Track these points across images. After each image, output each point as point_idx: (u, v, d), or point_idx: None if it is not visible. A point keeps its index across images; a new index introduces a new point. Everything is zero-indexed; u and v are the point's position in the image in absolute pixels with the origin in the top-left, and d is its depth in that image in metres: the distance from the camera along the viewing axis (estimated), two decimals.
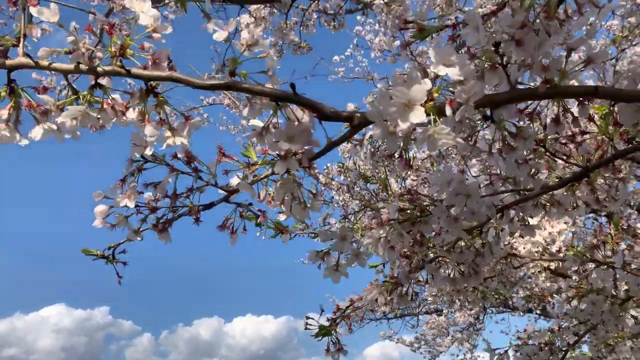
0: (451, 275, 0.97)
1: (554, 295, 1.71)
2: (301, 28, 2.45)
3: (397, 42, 3.46)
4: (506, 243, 1.56)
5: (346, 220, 2.82)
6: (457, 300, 1.62)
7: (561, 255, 1.54)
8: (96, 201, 0.72)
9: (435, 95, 0.57)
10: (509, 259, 1.53)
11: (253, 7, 2.60)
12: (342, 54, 5.41)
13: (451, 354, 8.51)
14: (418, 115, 0.53)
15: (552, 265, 1.63)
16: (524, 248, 1.57)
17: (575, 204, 0.95)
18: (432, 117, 0.55)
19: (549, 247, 1.57)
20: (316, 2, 2.30)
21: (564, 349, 1.12)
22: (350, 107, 4.07)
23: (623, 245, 1.46)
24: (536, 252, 1.54)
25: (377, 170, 2.43)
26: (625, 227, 1.94)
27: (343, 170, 3.01)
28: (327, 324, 1.22)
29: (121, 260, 0.95)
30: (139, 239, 0.77)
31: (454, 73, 0.55)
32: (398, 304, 0.96)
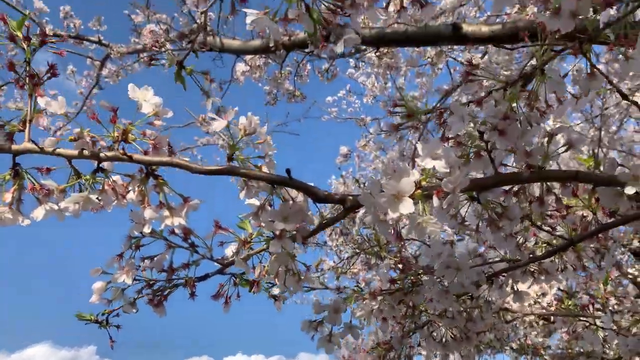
0: (443, 340, 0.98)
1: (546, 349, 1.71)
2: (295, 78, 2.53)
3: (389, 86, 3.55)
4: (498, 297, 1.57)
5: (339, 268, 2.82)
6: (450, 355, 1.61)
7: (552, 309, 1.55)
8: (94, 277, 0.73)
9: (424, 183, 0.60)
10: (501, 313, 1.54)
11: (248, 56, 2.67)
12: (335, 95, 5.51)
13: None
14: (407, 207, 0.55)
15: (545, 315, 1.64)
16: (516, 304, 1.58)
17: (563, 267, 0.98)
18: (420, 206, 0.58)
19: (539, 299, 1.58)
20: (309, 53, 2.37)
21: None
22: (343, 149, 4.14)
23: (613, 301, 1.48)
24: (528, 305, 1.55)
25: None
26: (616, 276, 1.96)
27: None
28: None
29: (114, 324, 0.95)
30: (134, 311, 0.79)
31: (440, 166, 0.58)
32: None
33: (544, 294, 1.59)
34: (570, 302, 1.53)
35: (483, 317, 0.94)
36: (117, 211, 0.70)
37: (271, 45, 2.16)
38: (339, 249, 3.13)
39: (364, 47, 2.85)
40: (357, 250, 3.03)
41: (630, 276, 2.30)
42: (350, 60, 4.01)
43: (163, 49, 2.91)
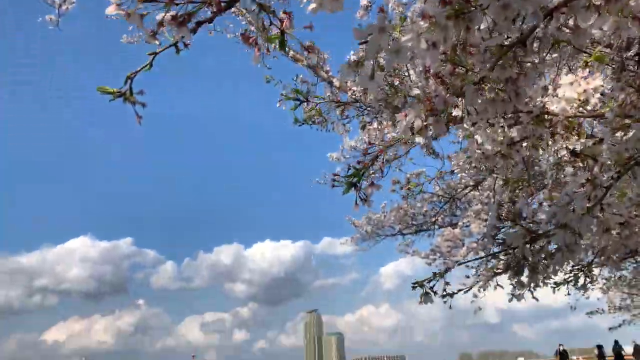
0: (492, 97, 0.91)
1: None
2: None
3: None
4: (538, 101, 1.49)
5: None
6: (487, 167, 1.57)
7: (596, 112, 1.47)
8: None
9: None
10: (541, 118, 1.47)
11: None
12: None
13: (466, 265, 8.71)
14: None
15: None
16: (557, 107, 1.50)
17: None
18: None
19: (583, 105, 1.49)
20: None
21: (605, 185, 1.07)
22: (363, 1, 3.87)
23: None
24: (570, 109, 1.47)
25: None
26: None
27: None
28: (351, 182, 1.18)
29: (140, 100, 0.90)
30: (156, 42, 0.72)
31: None
32: (434, 131, 0.91)
33: (587, 100, 1.50)
34: (613, 104, 1.44)
35: (536, 67, 0.86)
36: None
37: None
38: None
39: None
40: None
41: None
42: None
43: None
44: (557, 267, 1.61)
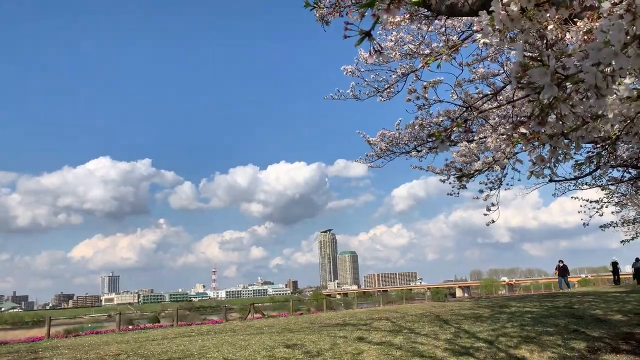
0: None
1: None
2: None
3: None
4: None
5: None
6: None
7: None
8: None
9: None
10: None
11: None
12: None
13: (479, 181, 8.72)
14: None
15: None
16: None
17: None
18: None
19: None
20: None
21: None
22: None
23: None
24: None
25: None
26: None
27: None
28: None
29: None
30: None
31: None
32: None
33: None
34: None
35: None
36: None
37: None
38: None
39: None
40: None
41: None
42: None
43: None
44: (581, 137, 1.53)
